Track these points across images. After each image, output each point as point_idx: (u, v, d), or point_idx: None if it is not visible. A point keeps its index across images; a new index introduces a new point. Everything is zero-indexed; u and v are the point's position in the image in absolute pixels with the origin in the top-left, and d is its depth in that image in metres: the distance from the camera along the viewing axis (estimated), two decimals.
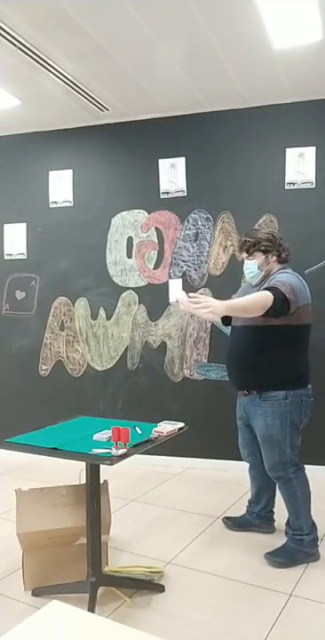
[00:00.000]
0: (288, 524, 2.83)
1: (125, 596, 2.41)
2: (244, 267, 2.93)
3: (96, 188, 4.64)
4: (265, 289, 2.63)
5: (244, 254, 2.90)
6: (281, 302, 2.55)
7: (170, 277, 4.34)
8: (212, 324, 4.25)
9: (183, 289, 3.23)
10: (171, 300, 3.25)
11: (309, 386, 2.82)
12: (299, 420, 2.75)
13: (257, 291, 2.74)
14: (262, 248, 2.82)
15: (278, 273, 2.77)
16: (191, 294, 2.65)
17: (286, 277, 2.70)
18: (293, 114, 4.08)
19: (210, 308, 2.50)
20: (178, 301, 3.22)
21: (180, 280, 3.29)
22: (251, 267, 2.84)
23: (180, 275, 4.38)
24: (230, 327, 2.99)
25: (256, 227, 4.00)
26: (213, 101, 4.14)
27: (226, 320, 2.98)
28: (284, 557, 2.72)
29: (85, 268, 4.65)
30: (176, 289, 3.21)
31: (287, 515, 2.85)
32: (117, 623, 1.15)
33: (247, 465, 3.13)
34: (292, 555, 2.73)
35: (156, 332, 4.48)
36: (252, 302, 2.59)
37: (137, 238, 4.52)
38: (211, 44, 3.26)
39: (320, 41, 3.20)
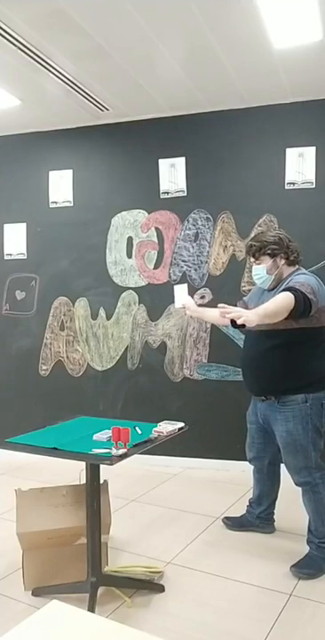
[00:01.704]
0: (310, 531, 2.71)
1: (125, 596, 2.41)
2: (253, 272, 2.83)
3: (96, 188, 4.64)
4: (283, 290, 2.55)
5: (251, 259, 2.82)
6: (303, 302, 2.48)
7: (174, 283, 4.34)
8: (212, 324, 4.25)
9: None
10: (177, 305, 3.25)
11: None
12: (320, 424, 2.66)
13: (274, 295, 2.65)
14: (268, 252, 2.72)
15: (295, 275, 2.69)
16: (220, 304, 2.52)
17: (304, 278, 2.62)
18: (293, 114, 4.08)
19: (243, 317, 2.35)
20: (184, 307, 3.22)
21: (185, 285, 3.29)
22: (260, 272, 2.75)
23: (180, 275, 4.38)
24: (233, 328, 2.91)
25: (263, 228, 3.97)
26: (213, 101, 4.14)
27: (234, 322, 2.94)
28: (311, 568, 2.62)
29: (85, 268, 4.65)
30: (181, 294, 3.22)
31: (278, 514, 2.79)
32: (117, 623, 1.15)
33: (247, 465, 3.11)
34: (319, 564, 2.63)
35: (156, 331, 4.48)
36: (278, 306, 2.47)
37: (137, 238, 4.52)
38: (211, 44, 3.26)
39: (320, 41, 3.20)
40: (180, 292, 3.23)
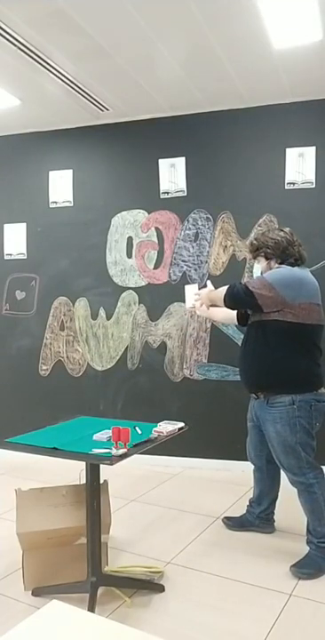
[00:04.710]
0: (309, 532, 2.71)
1: (125, 596, 2.41)
2: (254, 268, 2.96)
3: (96, 188, 4.64)
4: None
5: (251, 256, 2.94)
6: (241, 294, 2.66)
7: (174, 282, 4.35)
8: (212, 323, 4.25)
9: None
10: (188, 305, 3.25)
11: (322, 390, 2.70)
12: (310, 426, 2.66)
13: None
14: (262, 254, 2.80)
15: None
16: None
17: (269, 273, 2.69)
18: (293, 114, 4.08)
19: (200, 301, 2.92)
20: (194, 306, 3.23)
21: (196, 285, 3.29)
22: (256, 271, 2.85)
23: (180, 275, 4.38)
24: (237, 325, 3.01)
25: (268, 227, 3.95)
26: (213, 101, 4.14)
27: (242, 321, 2.98)
28: (311, 567, 2.62)
29: (85, 267, 4.65)
30: (192, 294, 3.22)
31: (278, 514, 2.79)
32: (117, 623, 1.15)
33: (247, 465, 3.11)
34: (319, 564, 2.63)
35: (156, 331, 4.48)
36: (217, 294, 2.85)
37: (137, 238, 4.52)
38: (211, 44, 3.26)
39: (320, 41, 3.20)
40: (191, 291, 3.24)
